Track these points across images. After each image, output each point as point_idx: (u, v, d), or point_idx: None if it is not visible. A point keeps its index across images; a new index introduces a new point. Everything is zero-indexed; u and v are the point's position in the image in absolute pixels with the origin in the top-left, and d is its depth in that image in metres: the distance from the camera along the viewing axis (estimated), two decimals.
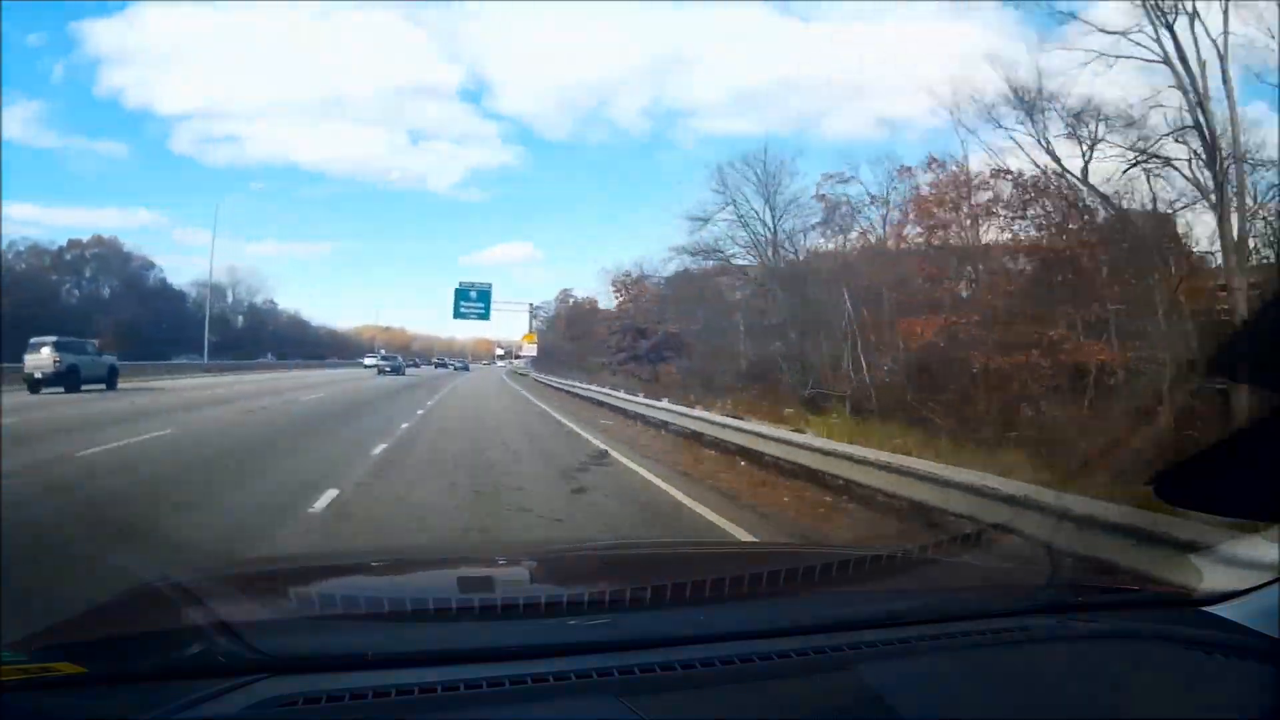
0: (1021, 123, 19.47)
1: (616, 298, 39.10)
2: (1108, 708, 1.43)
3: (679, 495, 8.27)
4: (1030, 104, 19.23)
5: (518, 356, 60.72)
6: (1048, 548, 3.20)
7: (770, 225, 29.06)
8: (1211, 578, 1.74)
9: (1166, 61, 16.84)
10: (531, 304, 46.65)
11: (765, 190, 28.85)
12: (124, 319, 41.95)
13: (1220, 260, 16.62)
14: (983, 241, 21.61)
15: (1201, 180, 16.83)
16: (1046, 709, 1.42)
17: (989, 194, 21.24)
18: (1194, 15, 16.54)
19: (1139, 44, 17.28)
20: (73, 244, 50.34)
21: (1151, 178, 17.80)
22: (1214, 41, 16.48)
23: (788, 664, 1.46)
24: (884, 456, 7.23)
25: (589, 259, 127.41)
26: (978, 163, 21.87)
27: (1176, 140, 17.05)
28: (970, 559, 2.53)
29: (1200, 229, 17.56)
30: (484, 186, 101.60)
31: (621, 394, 20.93)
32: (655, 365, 33.63)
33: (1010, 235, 20.65)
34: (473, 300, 40.50)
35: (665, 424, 14.73)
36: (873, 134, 58.41)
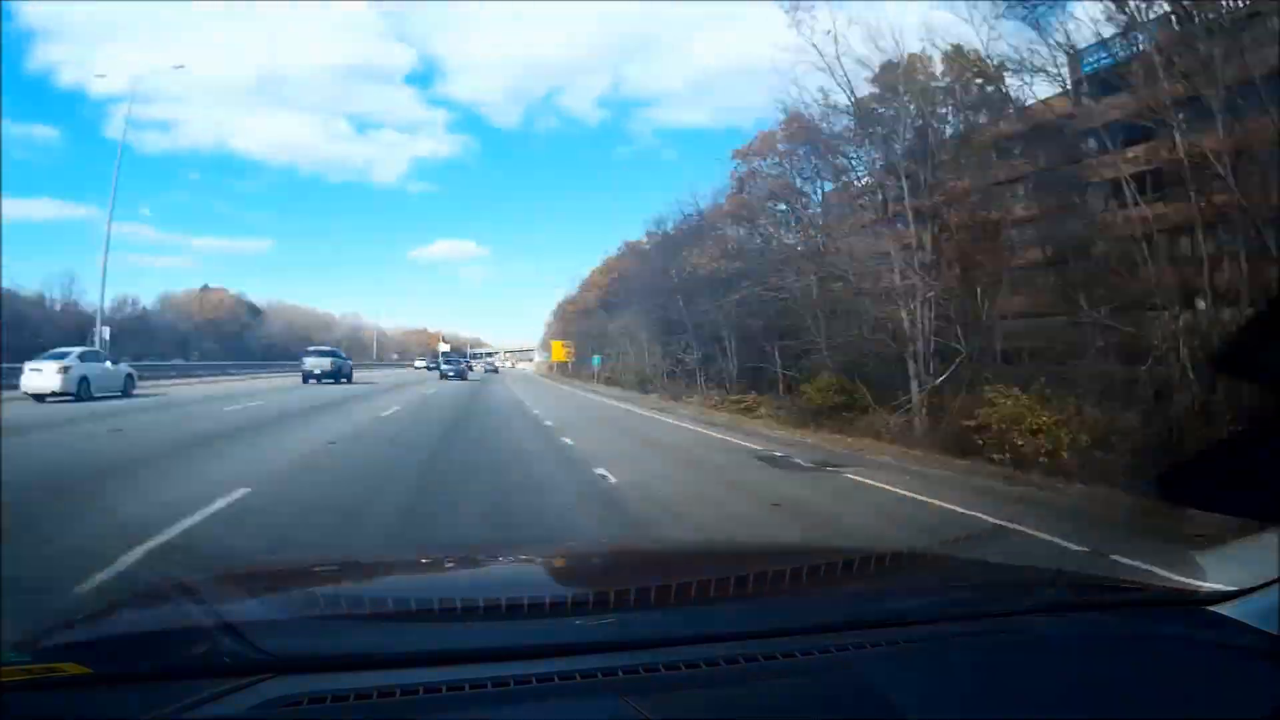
0: None
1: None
2: (1111, 707, 1.43)
3: None
4: None
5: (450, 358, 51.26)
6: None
7: None
8: (1215, 577, 1.74)
9: None
10: None
11: None
12: None
13: None
14: None
15: None
16: (1049, 709, 1.42)
17: None
18: None
19: None
20: None
21: None
22: None
23: (790, 663, 1.46)
24: None
25: (535, 258, 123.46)
26: None
27: None
28: (972, 558, 2.53)
29: None
30: (429, 179, 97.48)
31: None
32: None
33: None
34: None
35: None
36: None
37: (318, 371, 32.52)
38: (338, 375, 33.31)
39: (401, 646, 1.43)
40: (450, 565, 2.41)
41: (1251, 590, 1.65)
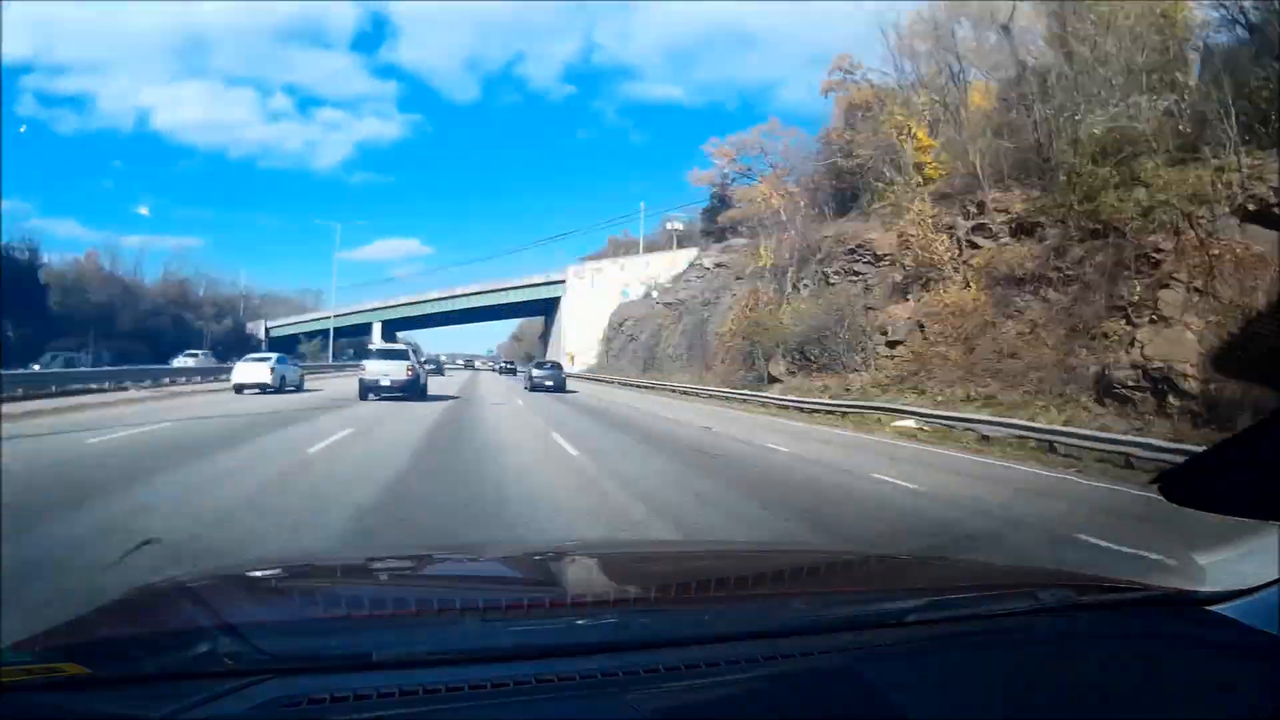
0: None
1: None
2: (1111, 707, 1.43)
3: None
4: None
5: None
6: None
7: None
8: (1215, 576, 1.75)
9: None
10: None
11: None
12: None
13: None
14: None
15: None
16: (1050, 709, 1.42)
17: None
18: None
19: None
20: None
21: None
22: None
23: (791, 664, 1.46)
24: None
25: (488, 259, 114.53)
26: None
27: None
28: (972, 560, 2.53)
29: None
30: (374, 167, 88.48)
31: None
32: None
33: None
34: None
35: None
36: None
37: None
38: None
39: (402, 647, 1.42)
40: (451, 566, 2.41)
41: (1251, 590, 1.65)
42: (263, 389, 25.05)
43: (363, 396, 22.38)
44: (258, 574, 2.02)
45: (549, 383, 30.85)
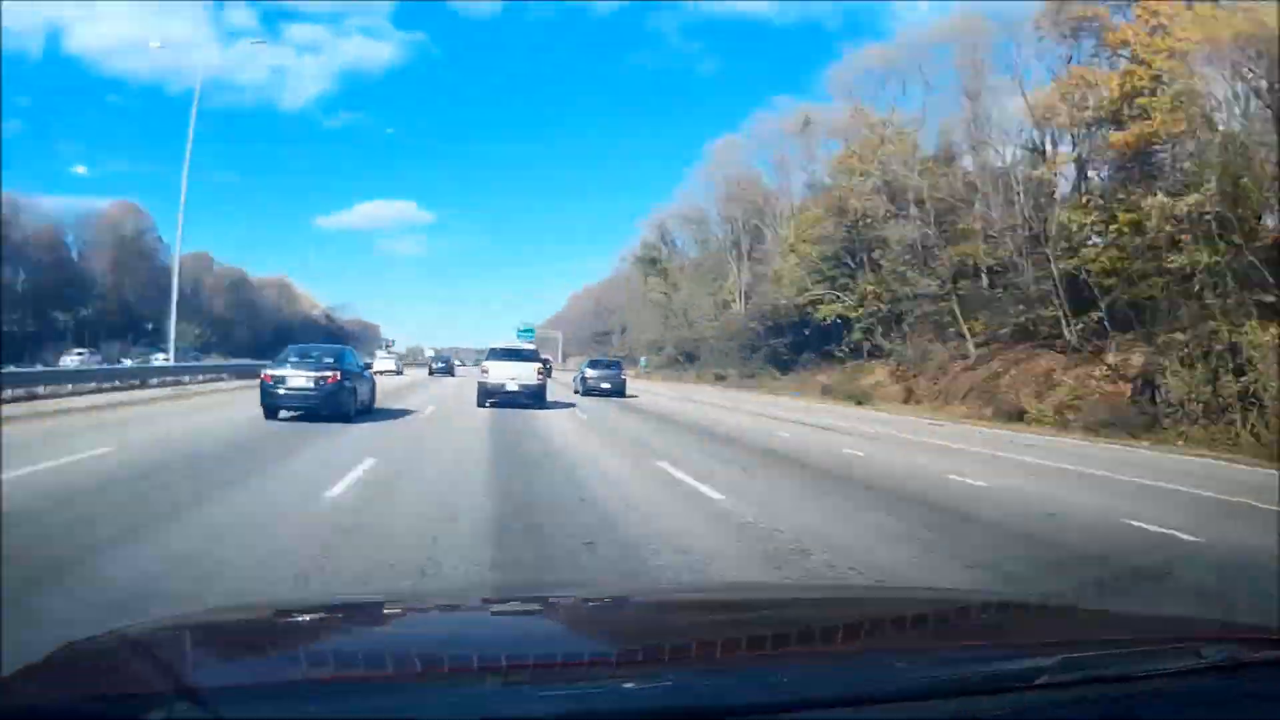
0: None
1: None
2: None
3: None
4: None
5: None
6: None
7: None
8: None
9: None
10: None
11: None
12: None
13: None
14: None
15: None
16: None
17: None
18: None
19: None
20: None
21: None
22: None
23: None
24: None
25: (506, 228, 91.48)
26: None
27: None
28: (1116, 606, 2.26)
29: None
30: (360, 105, 66.50)
31: None
32: None
33: None
34: None
35: None
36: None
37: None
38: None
39: (404, 714, 1.21)
40: (464, 611, 2.17)
41: None
42: (393, 373, 43.75)
43: (480, 404, 20.23)
44: (221, 623, 1.80)
45: (605, 385, 28.45)
